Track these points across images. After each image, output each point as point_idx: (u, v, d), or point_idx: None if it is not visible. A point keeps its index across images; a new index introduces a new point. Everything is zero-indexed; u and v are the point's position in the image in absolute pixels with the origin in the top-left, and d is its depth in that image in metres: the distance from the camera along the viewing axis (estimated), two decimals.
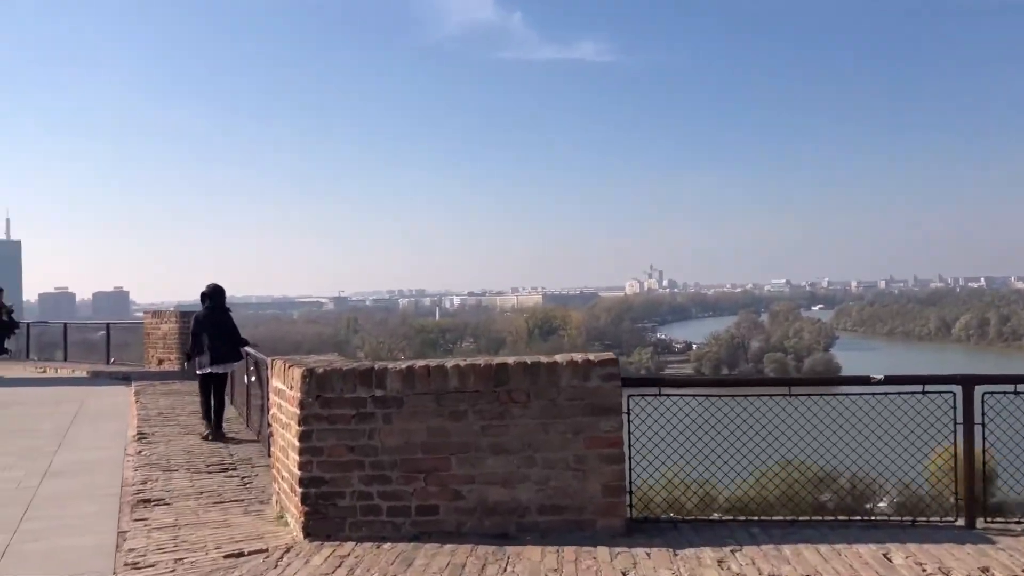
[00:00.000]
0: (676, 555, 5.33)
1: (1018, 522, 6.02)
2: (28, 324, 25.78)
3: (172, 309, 22.66)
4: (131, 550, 5.75)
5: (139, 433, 10.73)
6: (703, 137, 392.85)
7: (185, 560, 5.49)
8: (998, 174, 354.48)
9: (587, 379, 5.80)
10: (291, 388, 6.05)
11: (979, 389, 5.96)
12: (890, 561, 5.15)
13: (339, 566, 5.22)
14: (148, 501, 7.18)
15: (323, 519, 5.80)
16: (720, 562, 5.18)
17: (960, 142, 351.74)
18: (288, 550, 5.60)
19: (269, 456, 7.87)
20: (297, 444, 5.85)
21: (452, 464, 5.78)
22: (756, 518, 6.19)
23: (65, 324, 24.62)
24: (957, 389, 5.95)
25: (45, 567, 5.59)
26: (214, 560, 5.47)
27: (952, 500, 6.10)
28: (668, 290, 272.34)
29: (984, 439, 5.93)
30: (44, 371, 20.85)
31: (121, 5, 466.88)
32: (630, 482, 6.00)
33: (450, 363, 5.88)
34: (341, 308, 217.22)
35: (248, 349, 11.04)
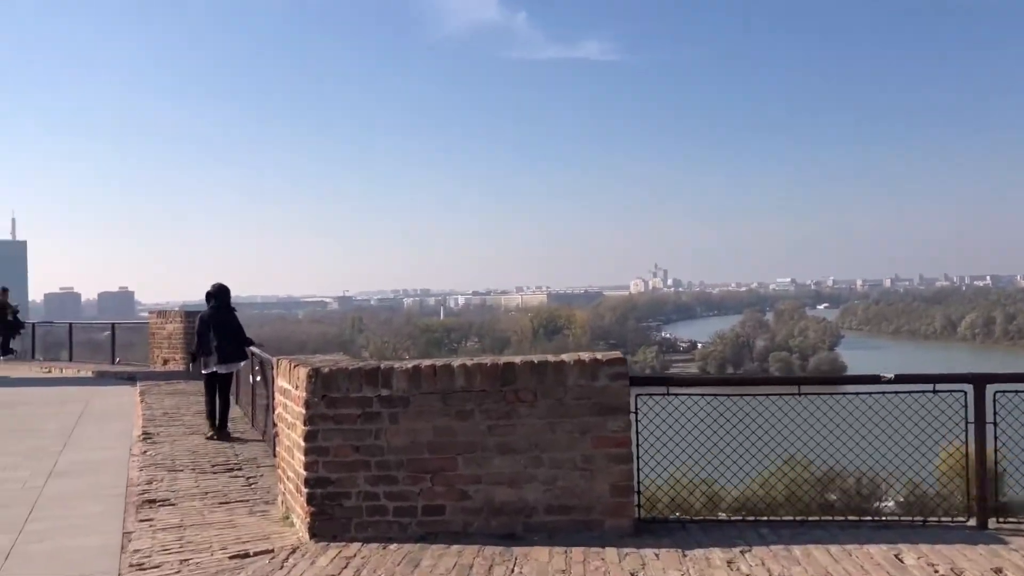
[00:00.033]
0: (685, 556, 5.28)
1: None
2: (33, 324, 25.85)
3: (177, 309, 22.67)
4: (136, 551, 5.72)
5: (144, 433, 10.72)
6: (707, 136, 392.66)
7: (191, 561, 5.46)
8: (1004, 172, 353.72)
9: (595, 378, 5.75)
10: (297, 388, 6.01)
11: (991, 388, 5.89)
12: (902, 562, 5.09)
13: (345, 567, 5.18)
14: (153, 501, 7.15)
15: (329, 520, 5.76)
16: (730, 563, 5.13)
17: (966, 140, 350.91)
18: (294, 551, 5.57)
19: (274, 456, 7.84)
20: (303, 444, 5.82)
21: (459, 464, 5.74)
22: (765, 518, 6.13)
23: (70, 324, 24.68)
24: (968, 388, 5.89)
25: (50, 568, 5.56)
26: (220, 561, 5.44)
27: (963, 500, 6.04)
28: (673, 289, 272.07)
29: (996, 438, 5.87)
30: (49, 371, 20.87)
31: (123, 5, 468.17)
32: (638, 482, 5.95)
33: (456, 362, 5.84)
34: (346, 308, 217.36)
35: (253, 349, 11.02)
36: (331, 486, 5.76)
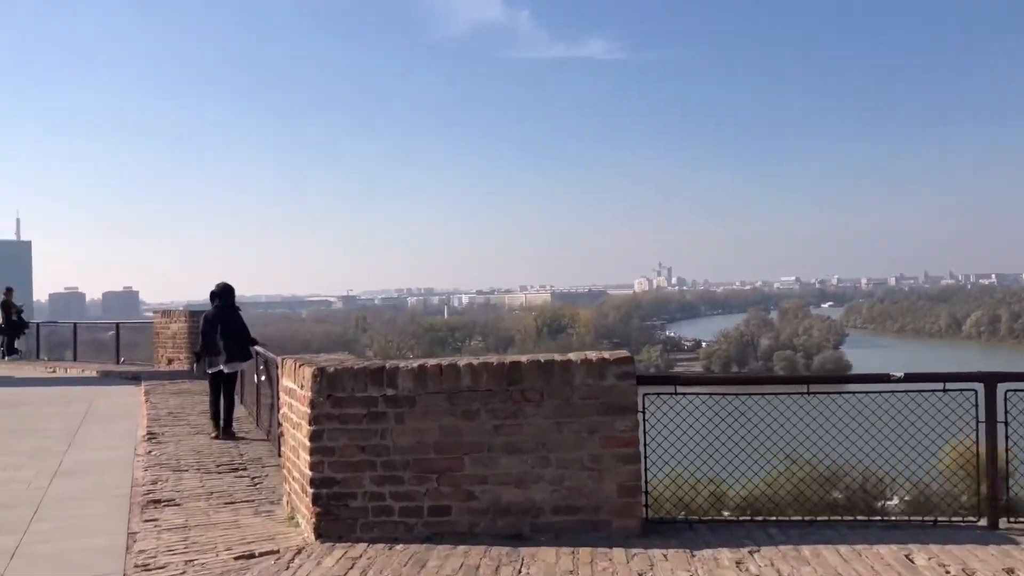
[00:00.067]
0: (693, 556, 5.24)
1: None
2: (38, 324, 25.90)
3: (181, 308, 22.69)
4: (141, 551, 5.69)
5: (149, 433, 10.71)
6: (711, 134, 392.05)
7: (196, 562, 5.43)
8: (1009, 170, 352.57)
9: (602, 378, 5.71)
10: (302, 387, 5.98)
11: (1002, 387, 5.84)
12: (912, 562, 5.05)
13: (351, 568, 5.15)
14: (158, 502, 7.13)
15: (335, 520, 5.73)
16: (738, 563, 5.09)
17: (970, 138, 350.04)
18: (299, 551, 5.54)
19: (279, 456, 7.82)
20: (308, 444, 5.78)
21: (465, 464, 5.71)
22: (773, 518, 6.08)
23: (75, 324, 24.71)
24: (979, 387, 5.83)
25: (55, 569, 5.54)
26: (225, 562, 5.41)
27: (974, 500, 5.99)
28: (677, 288, 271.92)
29: (1007, 437, 5.81)
30: (54, 371, 20.89)
31: (123, 4, 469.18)
32: (646, 482, 5.91)
33: (462, 362, 5.80)
34: (350, 307, 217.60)
35: (258, 348, 11.00)
36: (337, 486, 5.73)
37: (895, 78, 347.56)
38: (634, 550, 5.36)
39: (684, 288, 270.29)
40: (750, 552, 5.29)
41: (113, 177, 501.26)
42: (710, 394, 6.19)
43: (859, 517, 6.20)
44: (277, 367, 8.02)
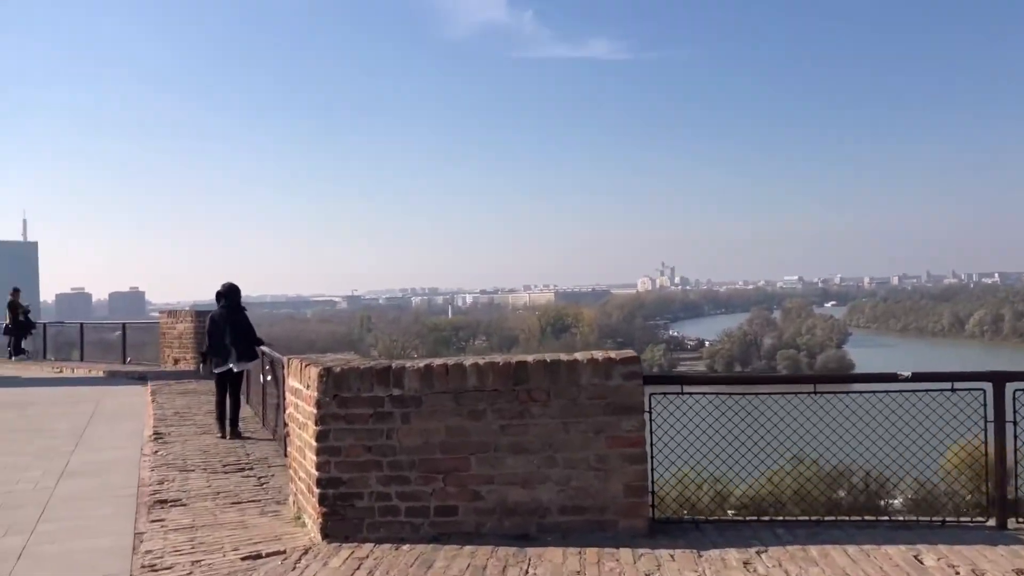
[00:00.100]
0: (700, 556, 5.23)
1: None
2: (45, 325, 25.93)
3: (188, 309, 22.72)
4: (148, 552, 5.69)
5: (155, 433, 10.71)
6: (715, 134, 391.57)
7: (203, 562, 5.43)
8: (1012, 169, 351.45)
9: (608, 377, 5.69)
10: (308, 387, 5.98)
11: (1010, 386, 5.81)
12: (921, 563, 5.02)
13: (358, 568, 5.14)
14: (165, 502, 7.13)
15: (341, 520, 5.73)
16: (746, 564, 5.07)
17: (973, 137, 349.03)
18: (306, 552, 5.53)
19: (285, 455, 7.81)
20: (314, 444, 5.78)
21: (471, 464, 5.70)
22: (780, 518, 6.06)
23: (81, 324, 24.75)
24: (987, 386, 5.81)
25: (62, 569, 5.54)
26: (232, 562, 5.41)
27: (982, 500, 5.96)
28: (680, 287, 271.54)
29: (1016, 437, 5.79)
30: (61, 371, 20.93)
31: (134, 3, 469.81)
32: (652, 482, 5.90)
33: (468, 362, 5.79)
34: (354, 307, 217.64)
35: (264, 348, 11.01)
36: (343, 486, 5.73)
37: (898, 77, 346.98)
38: (641, 550, 5.34)
39: (687, 287, 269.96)
40: (757, 552, 5.27)
41: (119, 178, 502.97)
42: (717, 394, 6.17)
43: (867, 517, 6.18)
44: (283, 367, 8.02)
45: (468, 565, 5.12)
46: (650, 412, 5.85)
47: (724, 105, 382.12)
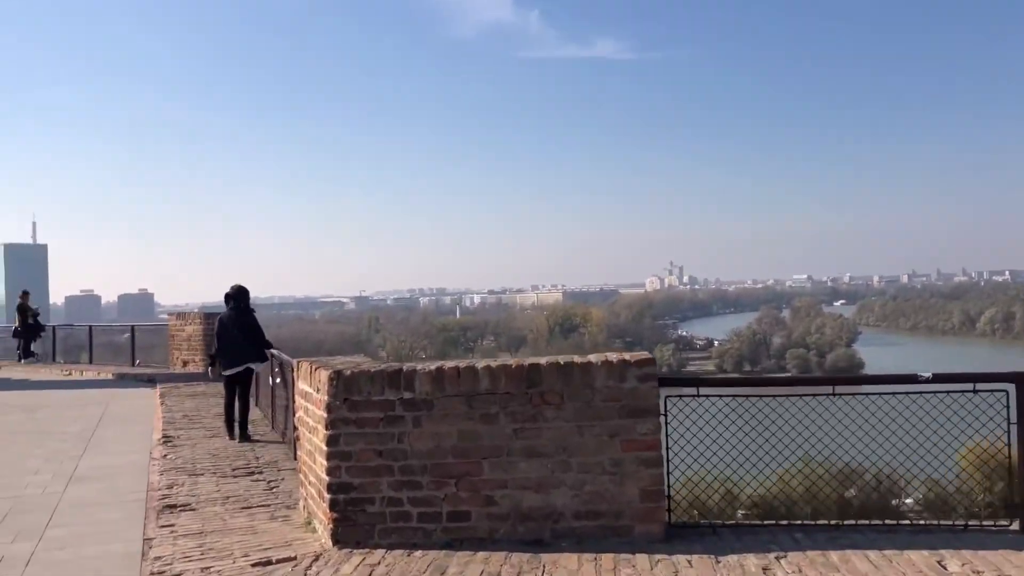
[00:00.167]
0: (719, 562, 5.12)
1: None
2: (54, 327, 25.95)
3: (196, 311, 22.69)
4: (157, 558, 5.62)
5: (164, 436, 10.66)
6: (722, 133, 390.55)
7: (212, 569, 5.35)
8: (1015, 168, 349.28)
9: (623, 380, 5.59)
10: (318, 391, 5.90)
11: None
12: (945, 569, 4.91)
13: (369, 574, 5.06)
14: (174, 507, 7.06)
15: (352, 526, 5.64)
16: (765, 569, 4.97)
17: (983, 134, 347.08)
18: (317, 558, 5.45)
19: (295, 459, 7.74)
20: (325, 448, 5.70)
21: (484, 468, 5.60)
22: (799, 522, 5.95)
23: (90, 327, 24.73)
24: (1010, 387, 5.68)
25: None
26: (242, 569, 5.33)
27: (1006, 504, 5.84)
28: (689, 286, 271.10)
29: None
30: (70, 373, 20.95)
31: (140, 5, 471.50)
32: (668, 486, 5.79)
33: (480, 364, 5.69)
34: (362, 307, 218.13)
35: (272, 350, 10.95)
36: (354, 491, 5.64)
37: (898, 77, 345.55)
38: (658, 556, 5.24)
39: (696, 287, 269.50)
40: (777, 558, 5.16)
41: (128, 180, 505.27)
42: (734, 396, 6.06)
43: (887, 521, 6.05)
44: (292, 370, 7.95)
45: (482, 571, 5.03)
46: (666, 415, 5.75)
47: (724, 104, 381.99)
